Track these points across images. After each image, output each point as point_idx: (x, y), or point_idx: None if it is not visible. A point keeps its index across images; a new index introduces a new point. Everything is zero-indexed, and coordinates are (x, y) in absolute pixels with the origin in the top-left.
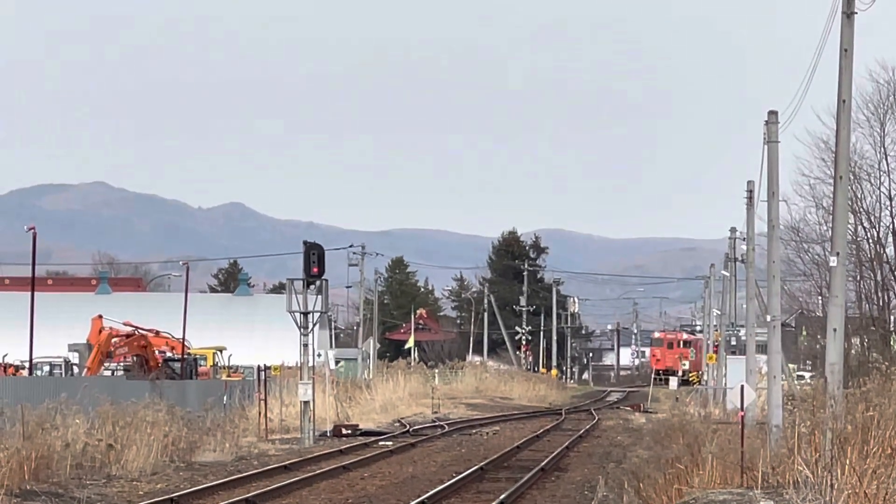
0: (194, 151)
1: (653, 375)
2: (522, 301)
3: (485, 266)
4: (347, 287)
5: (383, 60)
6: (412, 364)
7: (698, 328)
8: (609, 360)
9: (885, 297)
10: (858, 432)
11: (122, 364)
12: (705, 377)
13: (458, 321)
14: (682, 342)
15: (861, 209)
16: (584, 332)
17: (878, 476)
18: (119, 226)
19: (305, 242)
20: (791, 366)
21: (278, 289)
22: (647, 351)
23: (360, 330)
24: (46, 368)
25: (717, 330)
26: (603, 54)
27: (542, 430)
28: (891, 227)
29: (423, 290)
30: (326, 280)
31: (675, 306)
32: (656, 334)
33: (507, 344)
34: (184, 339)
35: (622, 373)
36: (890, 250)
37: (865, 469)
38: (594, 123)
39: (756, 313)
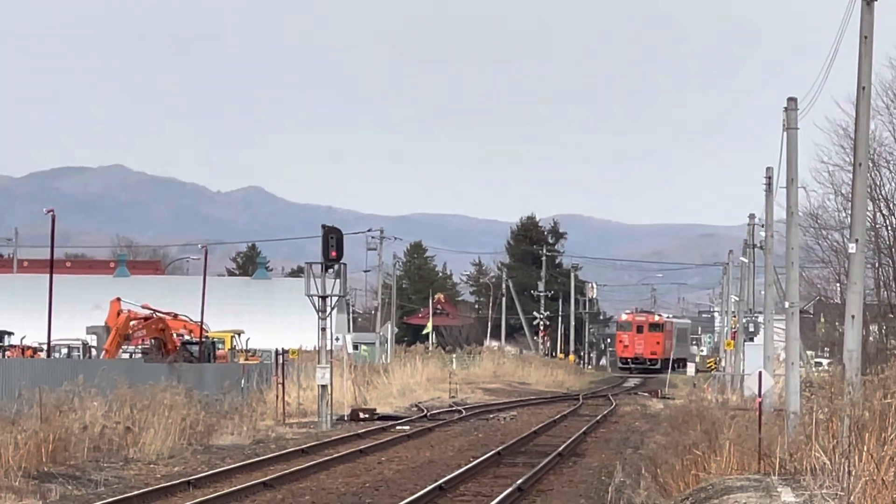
0: (213, 135)
1: (619, 364)
2: (540, 286)
3: (503, 251)
4: (366, 271)
5: (402, 45)
6: (430, 349)
7: (716, 312)
8: None
9: None
10: (876, 419)
11: (140, 347)
12: (723, 363)
13: (476, 306)
14: (652, 325)
15: (880, 196)
16: (601, 317)
17: (895, 463)
18: (137, 209)
19: (324, 226)
20: (809, 352)
21: (297, 272)
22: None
23: (378, 314)
24: (64, 351)
25: (734, 316)
26: (623, 41)
27: (559, 416)
28: None
29: (441, 274)
30: (345, 264)
31: (694, 292)
32: (623, 316)
33: (525, 329)
34: (202, 322)
35: None
36: None
37: (883, 456)
38: (614, 109)
39: (774, 300)
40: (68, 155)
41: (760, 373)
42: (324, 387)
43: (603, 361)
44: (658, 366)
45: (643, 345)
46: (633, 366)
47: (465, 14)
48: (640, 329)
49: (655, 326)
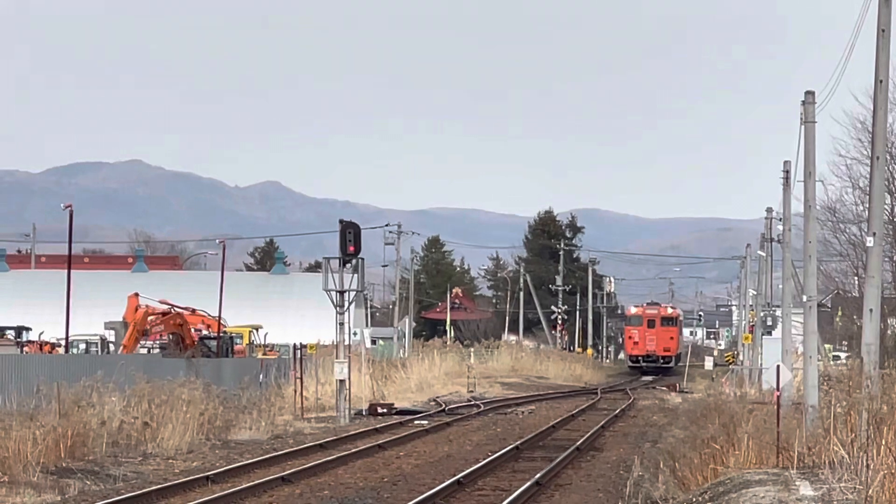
0: (230, 130)
1: (628, 364)
2: (558, 280)
3: (521, 245)
4: (383, 266)
5: (416, 39)
6: (448, 343)
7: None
8: None
9: None
10: (894, 413)
11: (158, 342)
12: (741, 357)
13: (494, 300)
14: (665, 319)
15: None
16: (619, 311)
17: None
18: (155, 204)
19: (342, 221)
20: (827, 346)
21: (314, 267)
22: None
23: (396, 309)
24: (83, 346)
25: (752, 310)
26: (642, 36)
27: (577, 410)
28: None
29: (458, 269)
30: (362, 259)
31: (711, 286)
32: (632, 309)
33: (543, 323)
34: (220, 317)
35: None
36: None
37: None
38: (631, 103)
39: (792, 293)
40: (86, 150)
41: (778, 366)
42: (342, 381)
43: (621, 356)
44: (672, 363)
45: (655, 341)
46: (644, 364)
47: (482, 8)
48: (651, 323)
49: (668, 320)
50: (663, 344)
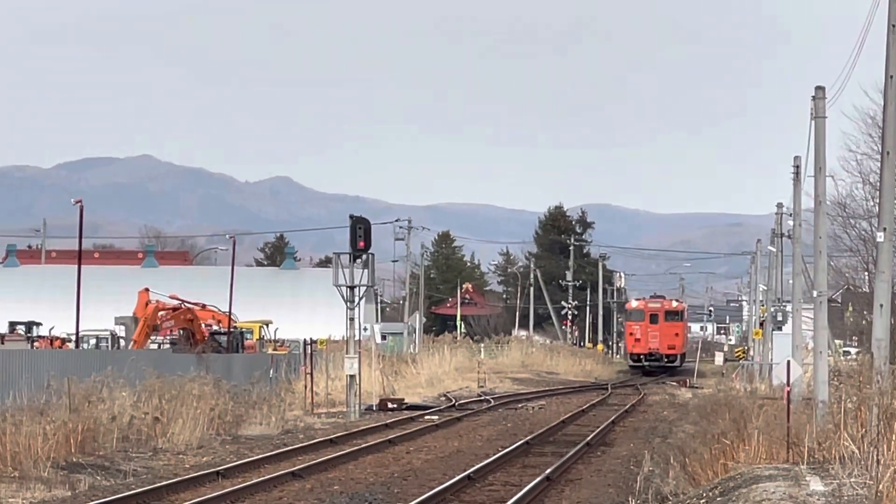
0: (240, 125)
1: (629, 362)
2: (568, 276)
3: (531, 241)
4: (394, 261)
5: (426, 35)
6: (458, 338)
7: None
8: None
9: None
10: None
11: (168, 337)
12: (751, 352)
13: (504, 296)
14: (669, 313)
15: None
16: None
17: None
18: (165, 199)
19: (352, 216)
20: (837, 341)
21: (324, 263)
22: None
23: (406, 304)
24: (93, 341)
25: (763, 305)
26: (653, 32)
27: (587, 405)
28: None
29: (469, 264)
30: (373, 254)
31: (722, 282)
32: (633, 303)
33: (553, 319)
34: (230, 312)
35: None
36: None
37: None
38: (640, 99)
39: (802, 289)
40: (96, 145)
41: (789, 362)
42: (352, 377)
43: None
44: (677, 362)
45: (658, 337)
46: (646, 364)
47: (492, 7)
48: (653, 318)
49: (673, 314)
50: (667, 341)
